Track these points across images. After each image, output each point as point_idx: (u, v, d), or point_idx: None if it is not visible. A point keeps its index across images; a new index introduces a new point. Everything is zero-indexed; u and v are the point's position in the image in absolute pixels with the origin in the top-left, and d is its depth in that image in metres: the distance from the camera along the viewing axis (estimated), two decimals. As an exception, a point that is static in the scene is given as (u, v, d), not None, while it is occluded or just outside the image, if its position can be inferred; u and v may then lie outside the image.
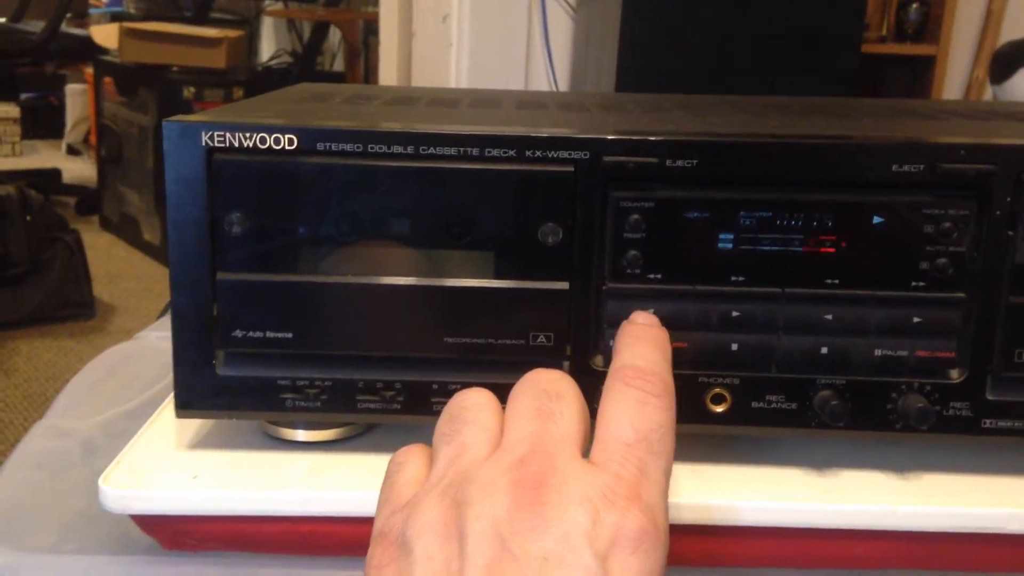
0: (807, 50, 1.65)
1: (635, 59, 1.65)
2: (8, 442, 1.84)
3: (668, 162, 0.46)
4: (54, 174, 3.55)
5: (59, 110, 4.25)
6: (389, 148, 0.46)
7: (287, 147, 0.46)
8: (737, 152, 0.46)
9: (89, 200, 3.31)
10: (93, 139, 3.60)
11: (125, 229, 3.06)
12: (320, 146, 0.46)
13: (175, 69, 2.81)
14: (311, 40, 3.42)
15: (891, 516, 0.46)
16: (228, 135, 0.46)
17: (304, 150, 0.46)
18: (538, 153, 0.46)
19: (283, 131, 0.46)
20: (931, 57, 1.94)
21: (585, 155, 0.46)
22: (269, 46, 3.95)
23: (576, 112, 0.60)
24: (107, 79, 3.07)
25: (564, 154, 0.46)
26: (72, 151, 4.19)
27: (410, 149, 0.46)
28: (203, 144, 0.46)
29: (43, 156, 4.07)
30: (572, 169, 0.46)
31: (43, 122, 4.31)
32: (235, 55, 2.87)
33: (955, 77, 2.06)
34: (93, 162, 3.48)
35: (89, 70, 3.50)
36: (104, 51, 3.08)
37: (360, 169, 0.46)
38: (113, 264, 2.86)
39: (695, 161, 0.46)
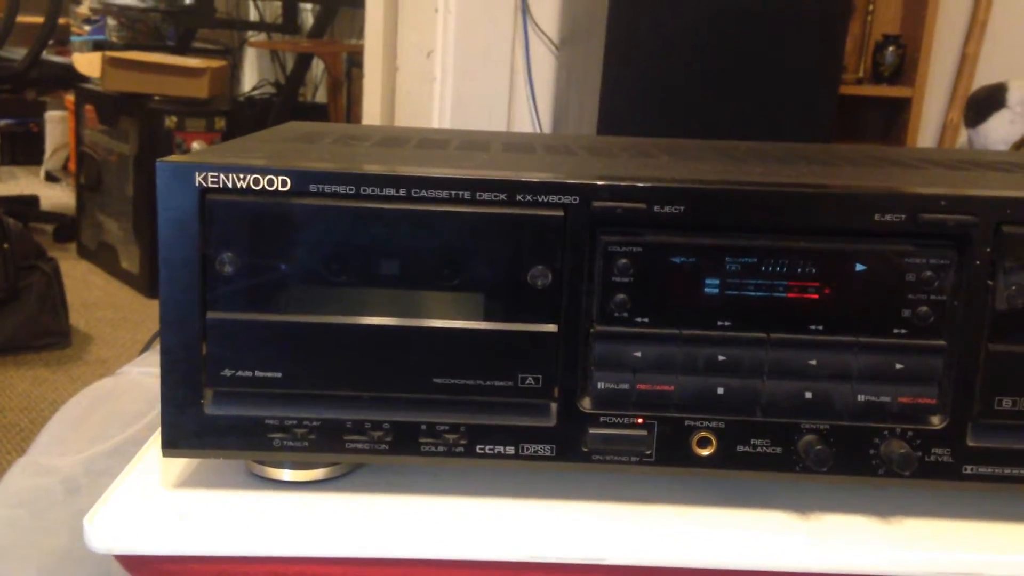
0: (786, 91, 1.68)
1: (617, 97, 1.67)
2: (-21, 473, 1.81)
3: (656, 208, 0.47)
4: (32, 201, 3.52)
5: (38, 137, 4.23)
6: (381, 191, 0.47)
7: (280, 188, 0.46)
8: (724, 199, 0.47)
9: (67, 227, 3.29)
10: (72, 166, 3.58)
11: (103, 257, 3.04)
12: (313, 188, 0.47)
13: (157, 98, 2.81)
14: (294, 71, 3.43)
15: (874, 561, 0.47)
16: (221, 176, 0.46)
17: (297, 191, 0.47)
18: (528, 197, 0.47)
19: (276, 173, 0.46)
20: (907, 99, 1.97)
21: (575, 200, 0.47)
22: (252, 76, 3.96)
23: (564, 156, 0.61)
24: (88, 107, 3.06)
25: (554, 199, 0.47)
26: (51, 178, 4.17)
27: (402, 192, 0.47)
28: (196, 184, 0.46)
29: (22, 182, 4.05)
30: (562, 214, 0.47)
31: (22, 148, 4.28)
32: (218, 85, 2.88)
33: (930, 119, 2.10)
34: (72, 189, 3.47)
35: (70, 97, 3.49)
36: (86, 79, 3.08)
37: (352, 211, 0.47)
38: (90, 293, 2.83)
39: (682, 207, 0.47)
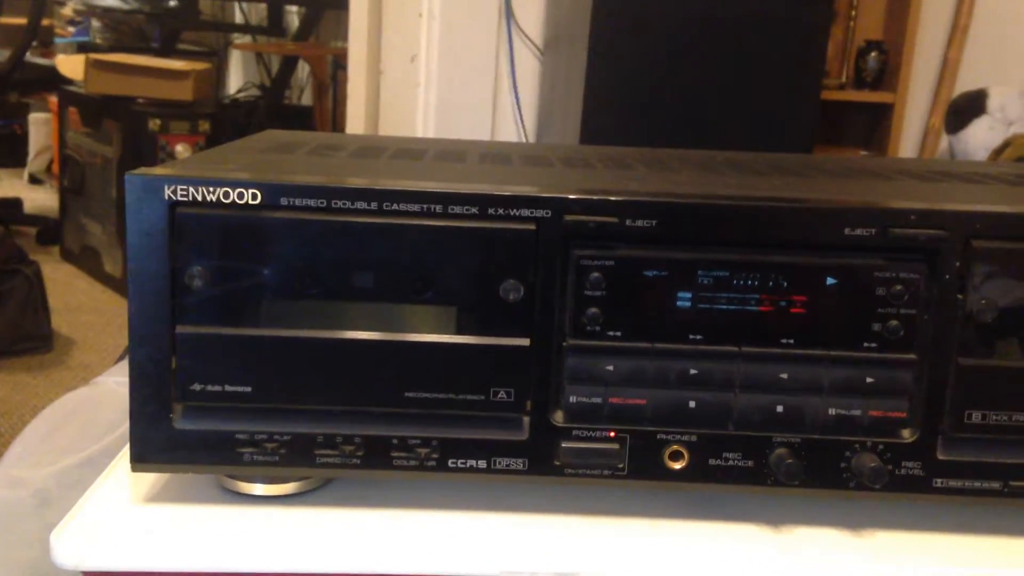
0: (768, 96, 1.68)
1: (600, 101, 1.67)
2: (-41, 478, 1.79)
3: (628, 222, 0.47)
4: (15, 203, 3.50)
5: (22, 139, 4.20)
6: (352, 204, 0.47)
7: (250, 202, 0.46)
8: (695, 213, 0.47)
9: (50, 230, 3.27)
10: (55, 169, 3.56)
11: (86, 261, 3.02)
12: (283, 201, 0.46)
13: (141, 101, 2.79)
14: (279, 73, 3.42)
15: (846, 573, 0.47)
16: (191, 189, 0.46)
17: (267, 205, 0.46)
18: (500, 211, 0.47)
19: (246, 186, 0.46)
20: (889, 104, 1.98)
21: (547, 213, 0.47)
22: (237, 78, 3.95)
23: (540, 167, 0.61)
24: (71, 109, 3.05)
25: (526, 212, 0.47)
26: (34, 180, 4.14)
27: (374, 205, 0.47)
28: (166, 198, 0.46)
29: (5, 185, 4.02)
30: (534, 227, 0.47)
31: (5, 150, 4.26)
32: (202, 88, 2.87)
33: (912, 124, 2.11)
34: (55, 192, 3.45)
35: (53, 99, 3.47)
36: (69, 81, 3.06)
37: (323, 225, 0.47)
38: (73, 296, 2.82)
39: (654, 221, 0.47)
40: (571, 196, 0.47)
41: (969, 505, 0.49)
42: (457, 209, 0.47)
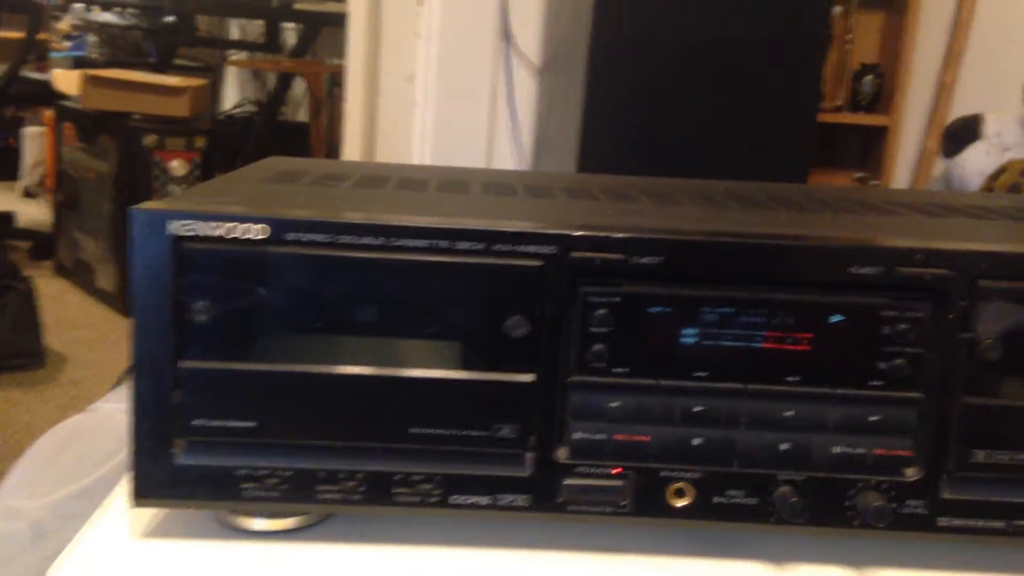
0: (765, 118, 1.69)
1: (598, 121, 1.68)
2: (-51, 496, 1.77)
3: (634, 259, 0.47)
4: (7, 218, 3.49)
5: (15, 152, 4.19)
6: (359, 239, 0.46)
7: (256, 236, 0.46)
8: (701, 250, 0.47)
9: (44, 245, 3.26)
10: (49, 183, 3.56)
11: (80, 275, 3.01)
12: (290, 236, 0.46)
13: (137, 117, 2.79)
14: (275, 90, 3.43)
15: (850, 614, 0.47)
16: (196, 224, 0.46)
17: (273, 240, 0.46)
18: (507, 247, 0.47)
19: (253, 220, 0.46)
20: (884, 127, 1.99)
21: (553, 250, 0.47)
22: (233, 94, 3.95)
23: (543, 199, 0.61)
24: (67, 124, 3.04)
25: (532, 248, 0.47)
26: (28, 194, 4.14)
27: (380, 240, 0.46)
28: (170, 233, 0.46)
29: (-3, 199, 4.01)
30: (540, 264, 0.47)
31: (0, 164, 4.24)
32: (198, 104, 2.87)
33: (907, 147, 2.12)
34: (49, 206, 3.44)
35: (48, 113, 3.47)
36: (65, 96, 3.06)
37: (330, 260, 0.46)
38: (66, 311, 2.81)
39: (660, 258, 0.47)
40: (577, 233, 0.47)
41: (973, 544, 0.49)
42: (463, 245, 0.47)
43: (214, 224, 0.46)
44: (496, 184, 0.66)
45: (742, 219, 0.55)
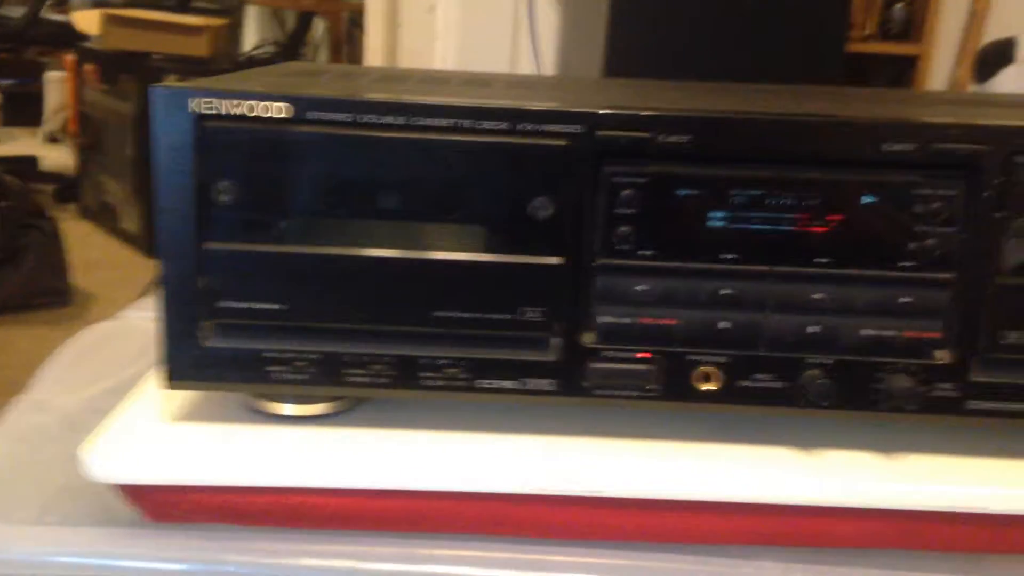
0: (793, 48, 1.66)
1: (622, 51, 1.65)
2: (-18, 429, 1.81)
3: (662, 137, 0.46)
4: (29, 161, 3.50)
5: (36, 98, 4.20)
6: (382, 118, 0.46)
7: (279, 115, 0.46)
8: (730, 128, 0.46)
9: (68, 188, 3.27)
10: (71, 127, 3.56)
11: (104, 217, 3.03)
12: (312, 115, 0.46)
13: (157, 57, 2.78)
14: (295, 30, 3.40)
15: (876, 494, 0.46)
16: (217, 102, 0.45)
17: (296, 119, 0.46)
18: (531, 126, 0.46)
19: (275, 99, 0.45)
20: (915, 56, 1.95)
21: (579, 129, 0.46)
22: (252, 36, 3.92)
23: (568, 91, 0.60)
24: (88, 66, 3.04)
25: (557, 128, 0.46)
26: (52, 139, 4.15)
27: (403, 120, 0.46)
28: (191, 111, 0.45)
29: (21, 144, 4.02)
30: (565, 143, 0.46)
31: (22, 109, 4.25)
32: (218, 44, 2.85)
33: (938, 76, 2.07)
34: (72, 150, 3.45)
35: (69, 58, 3.46)
36: (85, 37, 3.05)
37: (352, 139, 0.46)
38: (91, 252, 2.83)
39: (688, 137, 0.46)
40: (604, 111, 0.46)
41: (1002, 428, 0.49)
42: (487, 124, 0.46)
43: (236, 102, 0.45)
44: (519, 82, 0.65)
45: (773, 102, 0.54)
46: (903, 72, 2.02)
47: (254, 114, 0.45)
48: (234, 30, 3.58)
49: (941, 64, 2.08)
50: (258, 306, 0.47)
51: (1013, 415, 0.48)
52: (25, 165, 3.46)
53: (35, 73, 4.23)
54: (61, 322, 2.31)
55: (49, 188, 3.34)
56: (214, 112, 0.45)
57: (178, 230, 0.46)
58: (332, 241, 0.47)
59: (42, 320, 2.30)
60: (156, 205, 0.46)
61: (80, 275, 2.54)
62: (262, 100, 0.45)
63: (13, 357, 2.11)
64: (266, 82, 0.53)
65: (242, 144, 0.46)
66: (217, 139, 0.46)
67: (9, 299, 2.31)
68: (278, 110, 0.46)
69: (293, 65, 0.69)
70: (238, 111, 0.45)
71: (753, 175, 0.47)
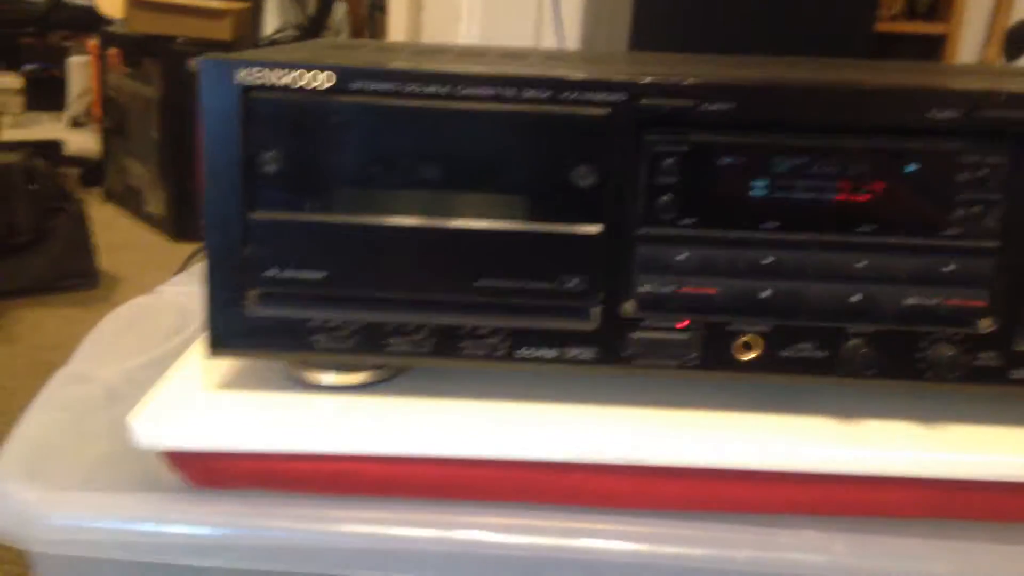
0: (822, 26, 1.65)
1: (648, 30, 1.65)
2: (12, 412, 1.83)
3: (704, 105, 0.46)
4: (54, 146, 3.53)
5: (60, 83, 4.22)
6: (425, 88, 0.46)
7: (324, 85, 0.46)
8: (774, 96, 0.46)
9: (93, 172, 3.30)
10: (95, 110, 3.58)
11: (129, 201, 3.05)
12: (356, 85, 0.46)
13: (180, 40, 2.79)
14: (316, 14, 3.40)
15: (917, 463, 0.47)
16: (264, 72, 0.46)
17: (341, 89, 0.46)
18: (573, 95, 0.46)
19: (320, 68, 0.46)
20: (942, 36, 1.93)
21: (621, 97, 0.46)
22: (273, 20, 3.93)
23: (605, 63, 0.60)
24: (112, 50, 3.06)
25: (599, 96, 0.46)
26: (76, 124, 4.17)
27: (447, 89, 0.46)
28: (238, 82, 0.46)
29: (45, 128, 4.05)
30: (608, 111, 0.46)
31: (45, 94, 4.28)
32: (240, 27, 2.86)
33: (967, 56, 2.05)
34: (97, 134, 3.47)
35: (93, 42, 3.48)
36: (109, 21, 3.07)
37: (395, 109, 0.46)
38: (116, 235, 2.85)
39: (732, 105, 0.46)
40: (646, 79, 0.46)
41: (1047, 397, 0.49)
42: (529, 93, 0.46)
43: (281, 72, 0.46)
44: (555, 55, 0.65)
45: (813, 71, 0.53)
46: (930, 52, 2.00)
47: (299, 84, 0.46)
48: (256, 14, 3.58)
49: (969, 43, 2.06)
50: (302, 275, 0.48)
51: (1057, 385, 0.48)
52: (50, 149, 3.48)
53: (58, 58, 4.25)
54: (89, 303, 2.33)
55: (74, 172, 3.36)
56: (260, 83, 0.46)
57: (224, 200, 0.47)
58: (375, 211, 0.47)
59: (70, 302, 2.33)
60: (204, 175, 0.47)
61: (105, 258, 2.57)
62: (309, 69, 0.46)
63: (43, 338, 2.13)
64: (308, 54, 0.54)
65: (288, 114, 0.46)
66: (263, 109, 0.46)
67: (38, 281, 2.34)
68: (323, 79, 0.46)
69: (330, 40, 0.70)
70: (284, 81, 0.46)
71: (795, 143, 0.46)
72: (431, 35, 2.07)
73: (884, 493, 0.48)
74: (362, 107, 0.46)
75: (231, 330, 0.48)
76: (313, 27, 3.45)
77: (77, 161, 3.47)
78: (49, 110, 4.32)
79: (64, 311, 2.28)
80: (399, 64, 0.47)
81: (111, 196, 3.17)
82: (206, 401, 0.49)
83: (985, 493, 0.48)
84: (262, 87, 0.46)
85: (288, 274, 0.48)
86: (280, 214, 0.47)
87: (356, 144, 0.47)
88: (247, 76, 0.46)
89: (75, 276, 2.40)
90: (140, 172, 2.97)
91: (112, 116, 3.10)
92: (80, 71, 4.11)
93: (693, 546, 0.46)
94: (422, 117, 0.46)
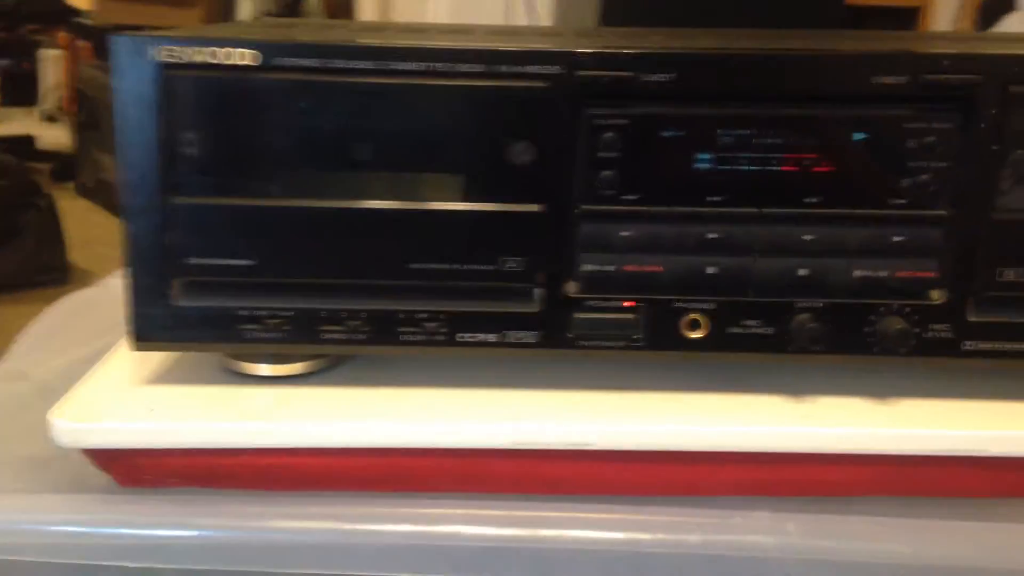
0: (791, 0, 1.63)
1: (617, 8, 1.62)
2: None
3: (644, 77, 0.44)
4: (26, 141, 3.48)
5: (31, 77, 4.17)
6: (351, 63, 0.44)
7: (245, 62, 0.44)
8: (715, 65, 0.44)
9: (65, 166, 3.26)
10: (67, 105, 3.54)
11: (101, 194, 3.01)
12: (279, 61, 0.44)
13: (150, 30, 2.75)
14: (290, 2, 3.36)
15: (871, 439, 0.45)
16: (181, 49, 0.44)
17: (263, 66, 0.44)
18: (508, 68, 0.44)
19: (241, 45, 0.44)
20: (915, 8, 1.92)
21: (558, 70, 0.44)
22: (247, 8, 3.88)
23: (552, 36, 0.58)
24: (82, 43, 3.01)
25: (536, 69, 0.44)
26: (49, 117, 4.12)
27: (375, 64, 0.44)
28: (154, 59, 0.44)
29: (17, 123, 4.00)
30: (544, 85, 0.44)
31: (16, 89, 4.22)
32: (212, 15, 2.82)
33: (940, 28, 2.04)
34: (69, 128, 3.43)
35: (64, 36, 3.44)
36: (78, 13, 3.03)
37: (321, 86, 0.44)
38: (89, 230, 2.81)
39: (672, 75, 0.44)
40: (584, 50, 0.44)
41: (1000, 368, 0.47)
42: (463, 67, 0.44)
43: (199, 49, 0.44)
44: (502, 30, 0.63)
45: (759, 39, 0.52)
46: (904, 26, 1.99)
47: (218, 61, 0.44)
48: (228, 2, 3.54)
49: (942, 16, 2.04)
50: (229, 262, 0.46)
51: (1010, 355, 0.46)
52: (22, 144, 3.44)
53: (28, 52, 4.19)
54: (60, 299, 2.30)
55: (46, 167, 3.32)
56: (177, 60, 0.44)
57: (143, 185, 0.45)
58: (304, 193, 0.45)
59: (42, 298, 2.29)
60: (119, 159, 0.45)
61: (79, 253, 2.53)
62: (228, 47, 0.44)
63: (13, 335, 2.10)
64: (234, 31, 0.52)
65: (207, 93, 0.44)
66: (181, 88, 0.44)
67: (8, 277, 2.30)
68: (244, 57, 0.44)
69: (268, 20, 0.68)
70: (202, 59, 0.44)
71: (739, 114, 0.45)
72: (400, 18, 2.04)
73: (836, 472, 0.47)
74: (287, 84, 0.44)
75: (156, 322, 0.46)
76: (287, 14, 3.41)
77: (50, 156, 3.43)
78: (22, 105, 4.26)
79: (35, 308, 2.24)
80: (324, 38, 0.45)
81: (84, 190, 3.13)
82: (132, 396, 0.47)
83: (939, 468, 0.46)
84: (180, 64, 0.44)
85: (214, 261, 0.46)
86: (203, 199, 0.45)
87: (282, 124, 0.45)
88: (164, 54, 0.44)
89: (47, 272, 2.37)
90: (113, 166, 2.94)
91: (84, 109, 3.06)
92: (51, 64, 4.05)
93: (644, 531, 0.45)
94: (349, 94, 0.44)
